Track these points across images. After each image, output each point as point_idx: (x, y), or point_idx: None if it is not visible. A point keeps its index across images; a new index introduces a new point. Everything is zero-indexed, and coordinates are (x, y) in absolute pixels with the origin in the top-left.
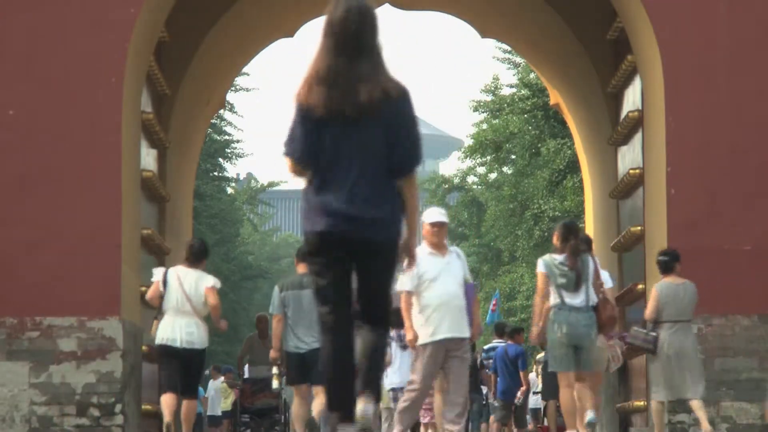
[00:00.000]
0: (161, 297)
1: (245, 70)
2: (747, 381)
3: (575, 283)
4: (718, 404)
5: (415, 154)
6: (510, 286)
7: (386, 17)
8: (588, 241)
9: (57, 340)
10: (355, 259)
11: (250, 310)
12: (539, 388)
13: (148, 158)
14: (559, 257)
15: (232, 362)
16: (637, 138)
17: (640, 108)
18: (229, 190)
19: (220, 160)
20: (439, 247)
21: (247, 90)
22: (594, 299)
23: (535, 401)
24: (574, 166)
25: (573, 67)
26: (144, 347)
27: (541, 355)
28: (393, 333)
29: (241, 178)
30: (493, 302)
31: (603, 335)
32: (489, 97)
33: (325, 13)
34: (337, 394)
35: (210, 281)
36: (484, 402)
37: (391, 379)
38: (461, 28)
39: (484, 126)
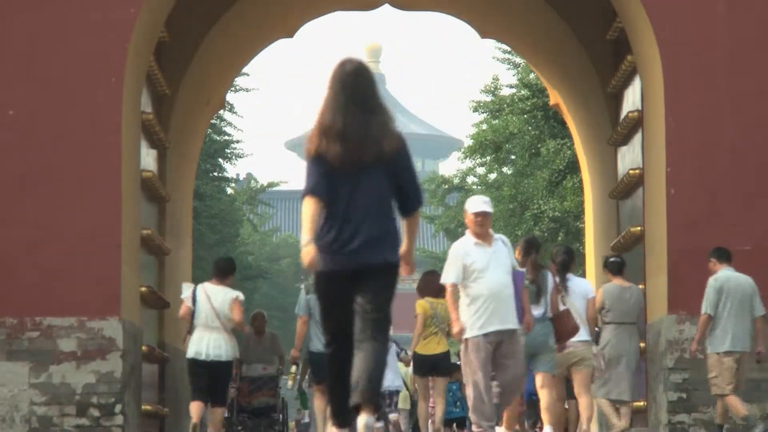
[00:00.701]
0: (192, 313)
1: (245, 70)
2: (747, 381)
3: (536, 295)
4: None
5: (420, 197)
6: None
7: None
8: (570, 253)
9: (57, 340)
10: (359, 281)
11: (250, 310)
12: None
13: (148, 158)
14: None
15: None
16: (637, 138)
17: (640, 108)
18: (229, 191)
19: (220, 160)
20: (484, 237)
21: (247, 90)
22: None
23: None
24: (574, 167)
25: (573, 67)
26: (144, 347)
27: None
28: None
29: (241, 178)
30: None
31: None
32: (489, 98)
33: (331, 71)
34: (338, 405)
35: (234, 293)
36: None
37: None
38: (461, 28)
39: (484, 126)
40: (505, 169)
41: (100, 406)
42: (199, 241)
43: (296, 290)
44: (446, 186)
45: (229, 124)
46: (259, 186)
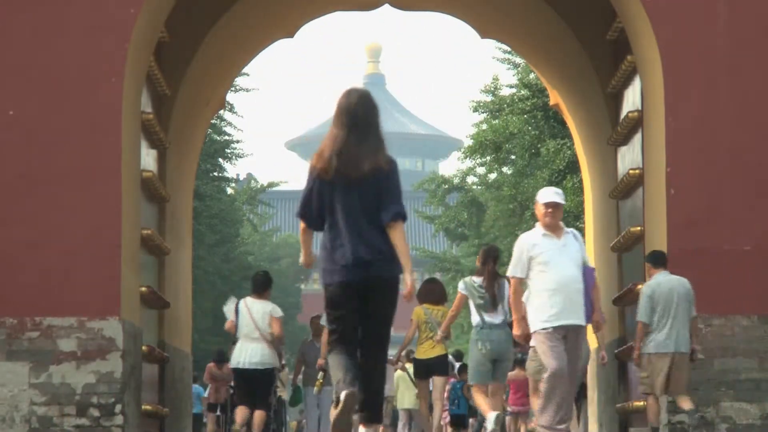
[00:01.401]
0: (235, 326)
1: (245, 70)
2: (747, 381)
3: (492, 303)
4: (717, 404)
5: (403, 212)
6: None
7: (386, 17)
8: None
9: (57, 341)
10: (364, 295)
11: None
12: None
13: (148, 158)
14: (478, 280)
15: None
16: (637, 138)
17: (639, 108)
18: (229, 191)
19: (220, 160)
20: (554, 229)
21: (247, 90)
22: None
23: None
24: (573, 167)
25: (573, 67)
26: (144, 347)
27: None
28: None
29: (241, 178)
30: None
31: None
32: (489, 98)
33: (336, 101)
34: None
35: (276, 312)
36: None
37: None
38: (461, 29)
39: (484, 126)
40: (505, 169)
41: (100, 406)
42: (199, 241)
43: (296, 290)
44: (446, 186)
45: (229, 124)
46: (259, 186)
